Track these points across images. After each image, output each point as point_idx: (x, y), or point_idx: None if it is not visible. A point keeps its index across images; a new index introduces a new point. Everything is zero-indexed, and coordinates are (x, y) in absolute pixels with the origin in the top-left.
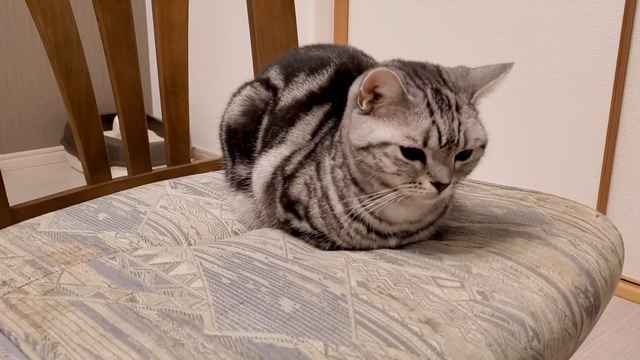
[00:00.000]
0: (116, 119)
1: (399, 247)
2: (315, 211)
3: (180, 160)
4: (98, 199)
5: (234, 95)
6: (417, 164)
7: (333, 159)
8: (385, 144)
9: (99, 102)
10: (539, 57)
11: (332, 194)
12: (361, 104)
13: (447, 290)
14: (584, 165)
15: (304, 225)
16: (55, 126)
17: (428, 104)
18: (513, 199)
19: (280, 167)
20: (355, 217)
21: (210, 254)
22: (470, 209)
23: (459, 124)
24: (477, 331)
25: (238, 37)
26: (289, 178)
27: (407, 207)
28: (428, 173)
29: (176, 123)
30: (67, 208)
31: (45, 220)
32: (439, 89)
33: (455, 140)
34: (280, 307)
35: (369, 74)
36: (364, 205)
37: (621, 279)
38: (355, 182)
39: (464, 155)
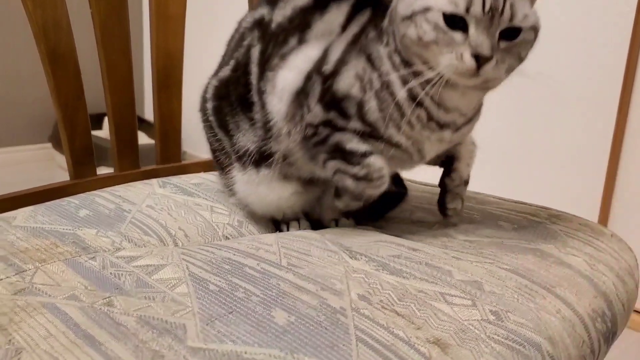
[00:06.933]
0: (107, 119)
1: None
2: (372, 105)
3: (170, 159)
4: (80, 194)
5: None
6: (457, 35)
7: (387, 45)
8: (427, 9)
9: (89, 99)
10: (544, 73)
11: (394, 79)
12: None
13: (457, 309)
14: (585, 185)
15: (352, 124)
16: (44, 123)
17: None
18: (523, 213)
19: (315, 69)
20: (418, 103)
21: (199, 258)
22: (479, 221)
23: None
24: (491, 355)
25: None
26: (331, 76)
27: (454, 91)
28: (469, 44)
29: (168, 120)
30: (46, 203)
31: (21, 215)
32: None
33: (500, 8)
34: (273, 319)
35: None
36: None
37: None
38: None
39: (511, 34)
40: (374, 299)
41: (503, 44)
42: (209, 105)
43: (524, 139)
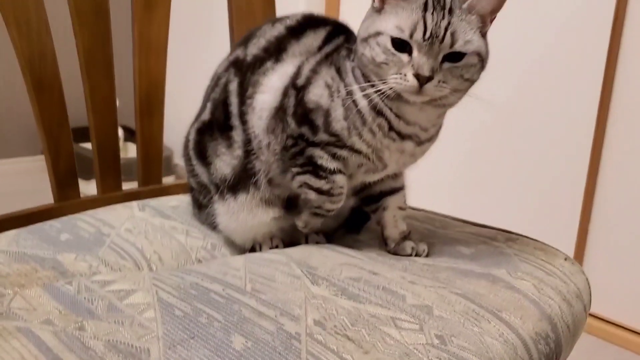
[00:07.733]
0: None
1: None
2: (337, 113)
3: (152, 180)
4: (63, 218)
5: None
6: (404, 57)
7: (352, 60)
8: (378, 33)
9: (80, 113)
10: (520, 92)
11: (356, 90)
12: (374, 1)
13: (405, 333)
14: (563, 207)
15: (319, 137)
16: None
17: (425, 3)
18: (482, 237)
19: (291, 83)
20: (379, 112)
21: (168, 284)
22: (439, 247)
23: (448, 23)
24: None
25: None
26: (304, 87)
27: (412, 105)
28: (412, 65)
29: (149, 143)
30: (29, 226)
31: (4, 239)
32: None
33: (440, 36)
34: (231, 344)
35: None
36: (382, 93)
37: (598, 318)
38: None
39: (456, 57)
40: (328, 324)
41: (447, 65)
42: (191, 143)
43: (501, 161)
